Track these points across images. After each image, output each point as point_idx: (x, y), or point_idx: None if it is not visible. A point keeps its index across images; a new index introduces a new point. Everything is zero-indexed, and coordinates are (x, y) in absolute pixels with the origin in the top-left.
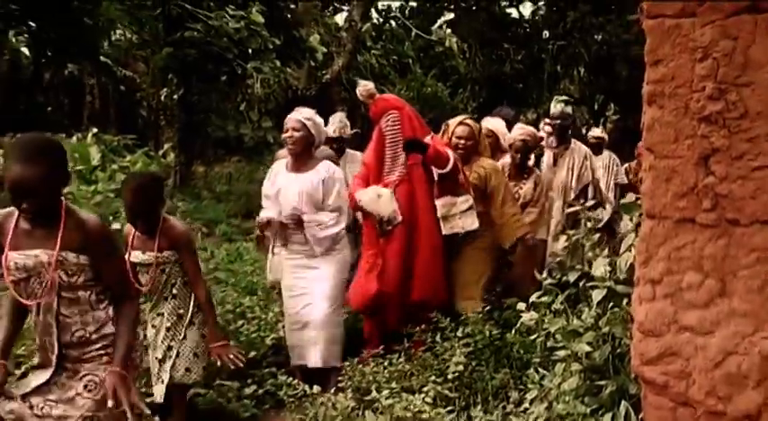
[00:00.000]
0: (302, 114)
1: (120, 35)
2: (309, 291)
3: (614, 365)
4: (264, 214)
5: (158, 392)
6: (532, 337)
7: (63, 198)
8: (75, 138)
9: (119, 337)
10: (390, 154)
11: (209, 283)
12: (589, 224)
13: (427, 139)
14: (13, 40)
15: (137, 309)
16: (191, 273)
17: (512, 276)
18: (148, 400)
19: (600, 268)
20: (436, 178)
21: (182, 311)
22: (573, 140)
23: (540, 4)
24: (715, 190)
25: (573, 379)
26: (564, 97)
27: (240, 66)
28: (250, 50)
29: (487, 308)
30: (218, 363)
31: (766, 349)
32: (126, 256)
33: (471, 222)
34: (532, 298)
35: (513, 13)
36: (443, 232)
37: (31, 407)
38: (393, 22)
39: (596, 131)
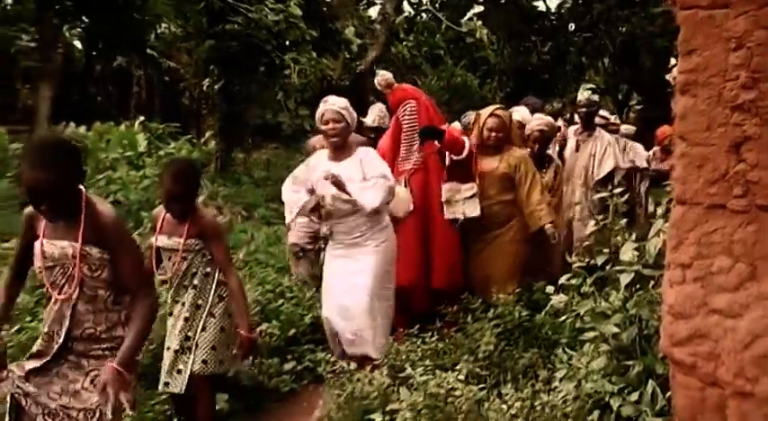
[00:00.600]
0: (337, 104)
1: (165, 29)
2: (351, 283)
3: (641, 346)
4: (296, 196)
5: (178, 383)
6: (561, 319)
7: (83, 189)
8: (123, 126)
9: (128, 336)
10: (406, 142)
11: (251, 265)
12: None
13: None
14: (67, 34)
15: (153, 306)
16: (221, 263)
17: (536, 262)
18: (168, 391)
19: (628, 252)
20: (448, 163)
21: (200, 302)
22: (598, 128)
23: None
24: (746, 177)
25: (601, 359)
26: (591, 85)
27: (278, 57)
28: (288, 42)
29: (518, 289)
30: (234, 351)
31: None
32: (153, 240)
33: (473, 209)
34: (561, 280)
35: (541, 5)
36: (446, 216)
37: (27, 395)
38: (425, 15)
39: (607, 113)
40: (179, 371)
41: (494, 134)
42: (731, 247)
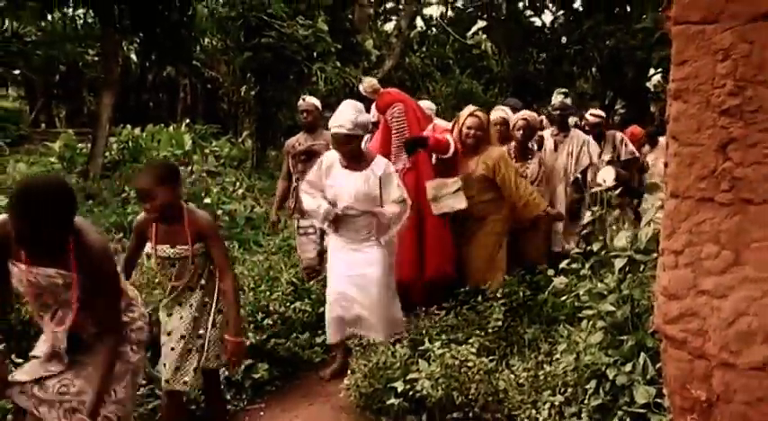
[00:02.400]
0: (346, 126)
1: (208, 42)
2: (359, 275)
3: (633, 323)
4: (315, 203)
5: (194, 381)
6: (562, 298)
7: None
8: (171, 127)
9: (93, 386)
10: (396, 144)
11: (284, 249)
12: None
13: (429, 129)
14: (125, 48)
15: (116, 347)
16: (219, 263)
17: (521, 250)
18: (177, 389)
19: (622, 239)
20: (434, 161)
21: (207, 299)
22: (572, 128)
23: (560, 14)
24: (732, 173)
25: (597, 334)
26: (564, 90)
27: (307, 66)
28: (315, 53)
29: (522, 272)
30: (223, 359)
31: None
32: (149, 249)
33: (460, 202)
34: (562, 264)
35: (537, 21)
36: (434, 212)
37: (43, 390)
38: (435, 29)
39: (598, 111)
40: (194, 370)
41: (473, 132)
42: (718, 236)
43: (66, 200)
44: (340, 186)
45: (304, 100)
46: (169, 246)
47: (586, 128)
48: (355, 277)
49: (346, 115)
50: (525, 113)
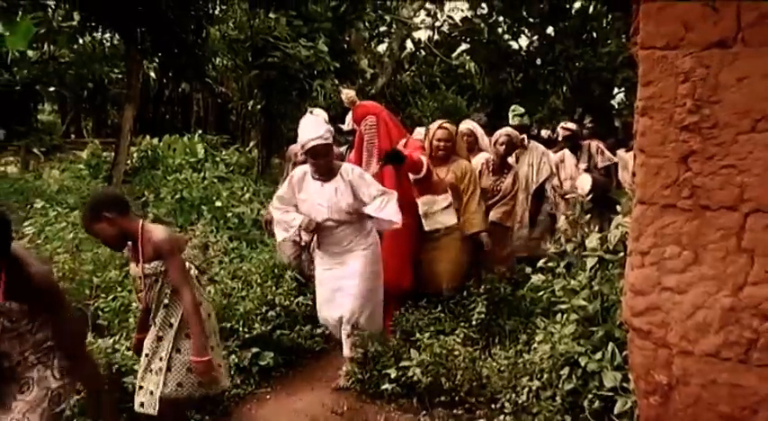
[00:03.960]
0: (322, 134)
1: (219, 62)
2: (342, 286)
3: (603, 316)
4: (289, 216)
5: (151, 405)
6: (539, 294)
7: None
8: (185, 137)
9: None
10: (367, 153)
11: None
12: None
13: (402, 143)
14: (145, 67)
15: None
16: (173, 280)
17: (483, 257)
18: (141, 411)
19: (594, 241)
20: (412, 181)
21: (173, 321)
22: (531, 142)
23: (534, 38)
24: (692, 182)
25: (571, 326)
26: (521, 110)
27: (308, 83)
28: (316, 72)
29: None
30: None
31: (726, 304)
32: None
33: (450, 219)
34: (540, 263)
35: (514, 45)
36: (426, 228)
37: None
38: (423, 51)
39: (569, 124)
40: (151, 393)
41: (442, 144)
42: (680, 238)
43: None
44: (313, 200)
45: (311, 113)
46: (134, 264)
47: (559, 140)
48: (342, 289)
49: (318, 128)
50: (509, 130)
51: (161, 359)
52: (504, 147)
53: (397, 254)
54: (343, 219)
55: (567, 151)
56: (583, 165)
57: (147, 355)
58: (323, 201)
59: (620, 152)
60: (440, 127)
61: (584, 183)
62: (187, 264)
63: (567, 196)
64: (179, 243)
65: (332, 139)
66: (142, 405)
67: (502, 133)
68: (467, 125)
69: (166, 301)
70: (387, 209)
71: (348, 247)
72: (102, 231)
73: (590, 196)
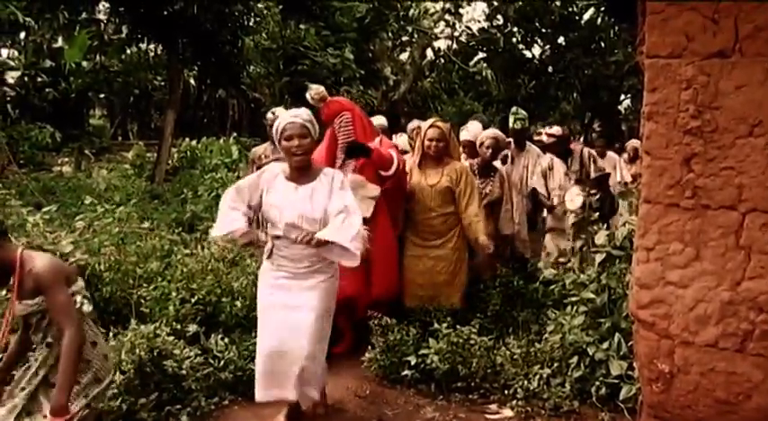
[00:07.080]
0: (302, 116)
1: (252, 69)
2: (291, 320)
3: (610, 308)
4: (232, 215)
5: None
6: (551, 287)
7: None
8: (221, 140)
9: None
10: (342, 153)
11: None
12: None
13: (376, 142)
14: (186, 75)
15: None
16: (55, 317)
17: (477, 264)
18: None
19: (601, 238)
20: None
21: (51, 362)
22: (528, 144)
23: (546, 48)
24: (694, 183)
25: (580, 317)
26: (522, 114)
27: (335, 89)
28: (342, 78)
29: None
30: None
31: (725, 298)
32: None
33: (365, 210)
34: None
35: (528, 54)
36: None
37: None
38: (443, 59)
39: (553, 130)
40: None
41: (434, 143)
42: (683, 236)
43: None
44: (282, 205)
45: (273, 113)
46: (18, 301)
47: (542, 146)
48: (288, 325)
49: (303, 112)
50: (494, 133)
51: (33, 397)
52: (489, 150)
53: (386, 262)
54: (312, 231)
55: (555, 158)
56: (573, 174)
57: (23, 389)
58: (296, 206)
59: (610, 153)
60: (432, 125)
61: (575, 200)
62: (78, 298)
63: (554, 209)
64: (66, 273)
65: (313, 128)
66: None
67: (488, 136)
68: (465, 136)
69: (50, 340)
70: (343, 231)
71: (306, 271)
72: None
73: (597, 196)
